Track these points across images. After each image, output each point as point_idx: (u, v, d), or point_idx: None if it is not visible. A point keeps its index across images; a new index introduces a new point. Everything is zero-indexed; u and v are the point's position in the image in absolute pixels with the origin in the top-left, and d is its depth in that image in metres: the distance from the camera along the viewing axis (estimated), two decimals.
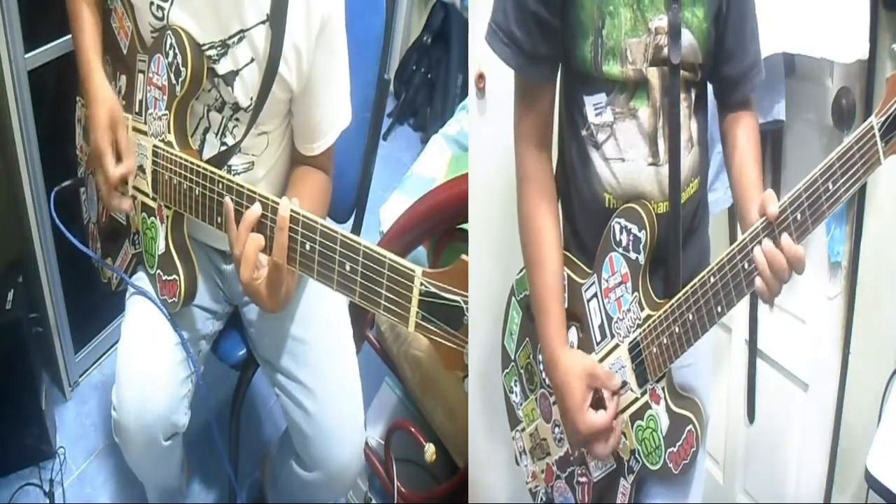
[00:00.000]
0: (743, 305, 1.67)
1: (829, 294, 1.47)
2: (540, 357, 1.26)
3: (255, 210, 1.09)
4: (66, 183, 1.49)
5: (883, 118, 0.89)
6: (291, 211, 1.05)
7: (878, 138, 0.90)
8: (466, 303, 0.89)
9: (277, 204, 1.06)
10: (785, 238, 0.98)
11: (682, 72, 1.08)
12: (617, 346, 1.16)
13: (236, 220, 1.12)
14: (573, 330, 1.21)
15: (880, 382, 1.35)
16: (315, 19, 1.20)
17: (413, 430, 1.71)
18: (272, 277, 1.11)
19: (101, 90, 1.26)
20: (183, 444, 1.47)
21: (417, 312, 0.92)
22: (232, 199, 1.13)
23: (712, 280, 1.04)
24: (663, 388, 1.13)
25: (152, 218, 1.29)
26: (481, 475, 1.76)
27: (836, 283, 1.46)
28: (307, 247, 1.04)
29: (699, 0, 1.07)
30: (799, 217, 0.96)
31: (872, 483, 1.21)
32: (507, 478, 1.74)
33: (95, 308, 2.01)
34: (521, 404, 1.36)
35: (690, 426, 1.11)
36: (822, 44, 1.30)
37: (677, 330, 1.09)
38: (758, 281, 1.00)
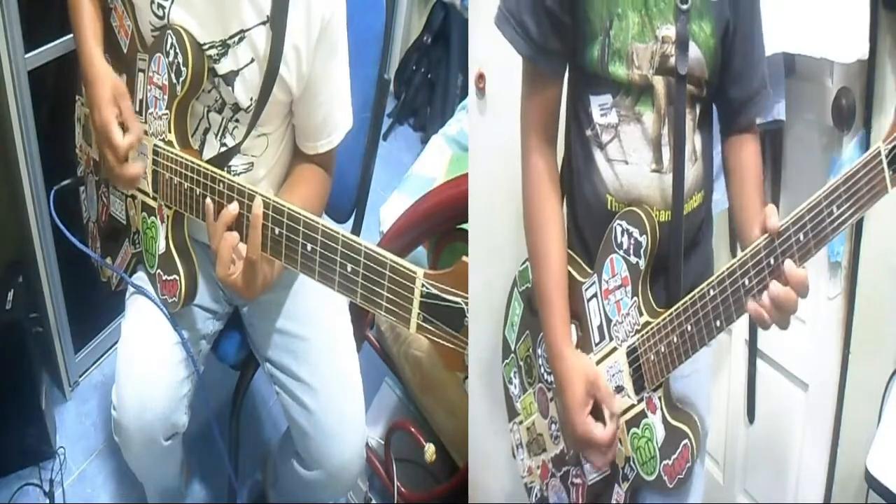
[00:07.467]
0: None
1: (829, 294, 1.47)
2: (539, 351, 1.25)
3: (233, 209, 1.12)
4: (66, 182, 1.49)
5: (891, 145, 0.86)
6: (294, 211, 1.05)
7: (885, 165, 0.86)
8: (467, 304, 0.89)
9: (279, 203, 1.06)
10: (788, 265, 0.95)
11: (688, 85, 1.08)
12: (615, 349, 1.16)
13: None
14: (573, 328, 1.21)
15: (880, 382, 1.35)
16: (315, 20, 1.20)
17: (413, 430, 1.71)
18: (247, 272, 1.13)
19: (102, 70, 1.26)
20: (183, 444, 1.47)
21: (419, 314, 0.92)
22: (234, 200, 1.13)
23: (711, 293, 1.03)
24: (660, 398, 1.12)
25: (152, 217, 1.29)
26: (481, 475, 1.76)
27: (836, 283, 1.46)
28: (308, 248, 1.04)
29: (707, 15, 1.07)
30: (801, 238, 0.94)
31: (872, 483, 1.21)
32: (507, 478, 1.74)
33: (95, 308, 2.01)
34: (520, 397, 1.35)
35: (686, 441, 1.09)
36: (822, 44, 1.30)
37: (675, 340, 1.07)
38: (760, 310, 0.98)
